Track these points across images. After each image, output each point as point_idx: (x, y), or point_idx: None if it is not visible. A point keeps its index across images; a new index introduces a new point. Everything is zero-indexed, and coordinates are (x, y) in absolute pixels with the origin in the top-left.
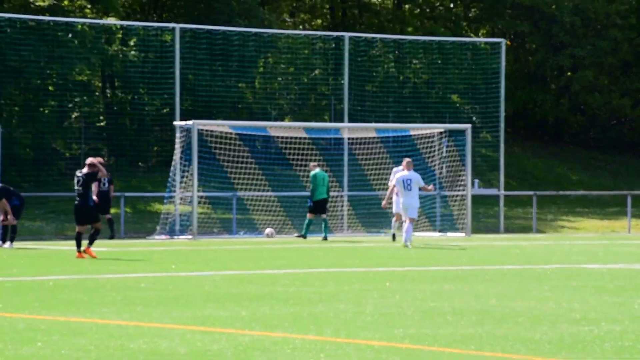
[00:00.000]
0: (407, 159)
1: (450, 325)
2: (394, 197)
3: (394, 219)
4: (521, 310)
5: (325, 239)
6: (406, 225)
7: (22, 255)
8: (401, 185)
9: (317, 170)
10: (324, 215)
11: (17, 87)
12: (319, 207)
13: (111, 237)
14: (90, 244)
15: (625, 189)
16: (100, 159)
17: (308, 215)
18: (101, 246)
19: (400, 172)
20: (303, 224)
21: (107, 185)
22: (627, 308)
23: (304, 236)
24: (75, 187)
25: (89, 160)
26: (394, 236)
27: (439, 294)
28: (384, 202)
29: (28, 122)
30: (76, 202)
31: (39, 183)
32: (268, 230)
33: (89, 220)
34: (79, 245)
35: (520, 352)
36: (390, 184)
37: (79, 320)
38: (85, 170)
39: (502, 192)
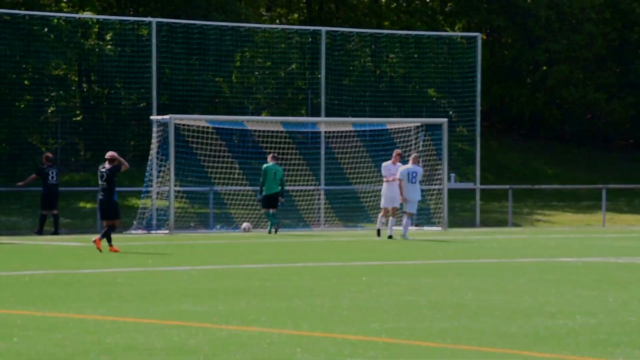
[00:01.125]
0: (414, 154)
1: (427, 319)
2: (384, 190)
3: (380, 214)
4: (497, 303)
5: (270, 232)
6: (404, 221)
7: None
8: (406, 177)
9: (270, 163)
10: (272, 210)
11: None
12: (269, 201)
13: (55, 233)
14: (107, 238)
15: (600, 183)
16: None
17: (264, 210)
18: (70, 241)
19: (404, 165)
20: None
21: (55, 179)
22: (601, 301)
23: (276, 229)
24: (100, 183)
25: (109, 154)
26: (378, 232)
27: (416, 287)
28: (400, 198)
29: (3, 116)
30: (100, 197)
31: (15, 178)
32: (245, 224)
33: (113, 215)
34: (109, 239)
35: (497, 346)
36: (393, 177)
37: (55, 315)
38: (107, 165)
39: (479, 186)
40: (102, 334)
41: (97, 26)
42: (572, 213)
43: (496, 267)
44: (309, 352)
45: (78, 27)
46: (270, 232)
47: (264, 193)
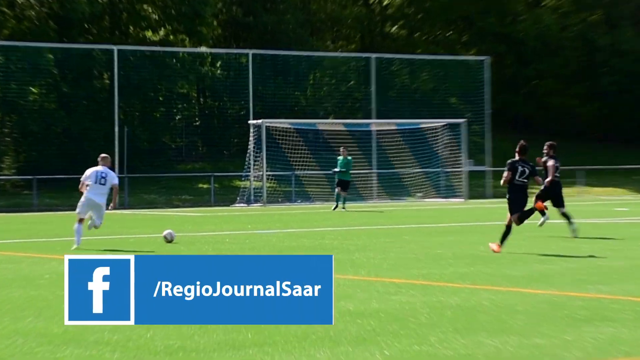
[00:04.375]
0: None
1: (452, 266)
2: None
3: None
4: (503, 253)
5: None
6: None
7: (140, 219)
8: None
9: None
10: (343, 193)
11: (138, 98)
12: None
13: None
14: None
15: (577, 165)
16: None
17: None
18: (192, 212)
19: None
20: (345, 200)
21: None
22: (578, 251)
23: (335, 207)
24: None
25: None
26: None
27: (443, 243)
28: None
29: (145, 123)
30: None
31: (153, 167)
32: (166, 232)
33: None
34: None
35: (503, 285)
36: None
37: None
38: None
39: (489, 168)
40: None
41: (209, 57)
42: None
43: (502, 227)
44: (365, 291)
45: (197, 58)
46: (334, 209)
47: (337, 178)
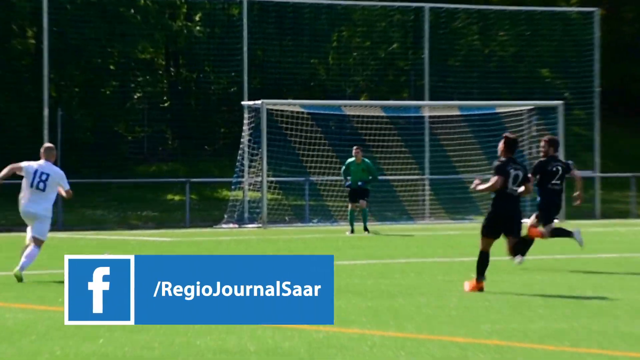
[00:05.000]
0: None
1: (542, 319)
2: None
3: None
4: (620, 302)
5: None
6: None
7: (83, 245)
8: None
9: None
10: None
11: (78, 66)
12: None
13: None
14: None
15: None
16: None
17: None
18: (157, 236)
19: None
20: (367, 215)
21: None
22: None
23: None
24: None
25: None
26: None
27: (530, 285)
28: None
29: (89, 103)
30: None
31: (101, 169)
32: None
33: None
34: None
35: (619, 348)
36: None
37: None
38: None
39: (598, 174)
40: (191, 335)
41: (185, 6)
42: None
43: (618, 262)
44: (414, 355)
45: (165, 8)
46: (351, 232)
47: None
